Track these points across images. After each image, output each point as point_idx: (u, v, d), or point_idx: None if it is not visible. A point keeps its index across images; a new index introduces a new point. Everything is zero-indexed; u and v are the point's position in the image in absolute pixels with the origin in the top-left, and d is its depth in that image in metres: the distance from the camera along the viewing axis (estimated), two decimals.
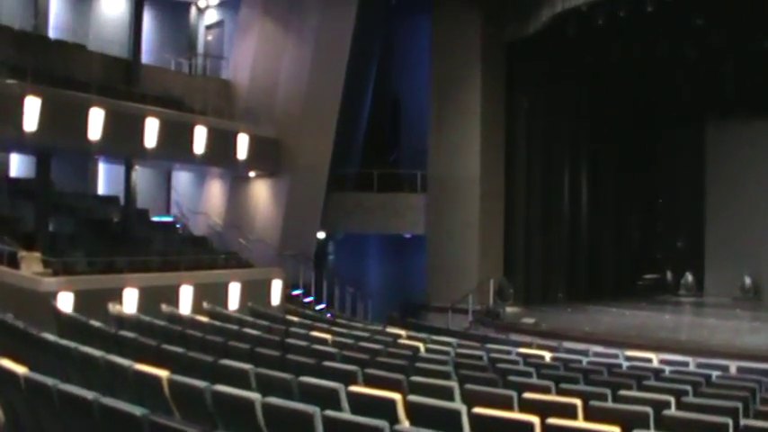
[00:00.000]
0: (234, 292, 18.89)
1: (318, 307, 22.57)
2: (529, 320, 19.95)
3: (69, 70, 20.84)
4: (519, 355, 11.80)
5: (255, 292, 19.40)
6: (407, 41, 26.60)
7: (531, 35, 22.44)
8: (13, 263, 15.59)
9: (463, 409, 6.30)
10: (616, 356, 12.22)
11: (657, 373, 9.96)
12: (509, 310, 21.80)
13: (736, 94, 26.77)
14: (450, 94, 24.06)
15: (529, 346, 13.75)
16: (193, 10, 27.54)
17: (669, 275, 28.86)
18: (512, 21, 23.31)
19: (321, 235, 24.43)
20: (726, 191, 27.69)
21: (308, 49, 24.60)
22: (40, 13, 22.71)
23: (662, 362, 11.51)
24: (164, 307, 15.49)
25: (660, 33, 23.09)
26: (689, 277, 28.23)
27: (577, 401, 7.08)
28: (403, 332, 15.00)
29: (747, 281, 26.57)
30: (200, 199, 26.06)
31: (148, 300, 16.09)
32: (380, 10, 25.05)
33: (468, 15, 23.72)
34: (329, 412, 5.59)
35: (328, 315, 20.55)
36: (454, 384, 7.99)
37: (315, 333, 13.53)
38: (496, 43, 23.83)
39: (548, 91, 25.72)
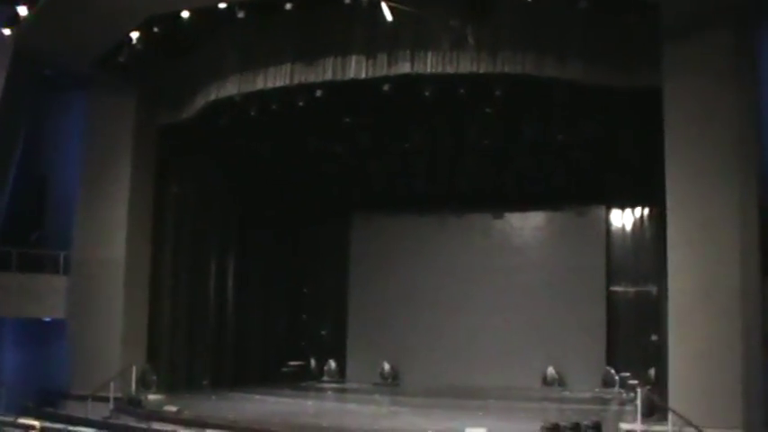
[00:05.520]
0: None
1: None
2: (171, 408, 19.55)
3: None
4: None
5: None
6: (60, 118, 25.65)
7: (186, 121, 22.50)
8: None
9: None
10: None
11: None
12: (151, 397, 21.27)
13: (380, 191, 28.43)
14: (99, 175, 23.41)
15: None
16: None
17: (313, 362, 29.53)
18: (167, 105, 23.25)
19: None
20: (368, 282, 29.17)
21: None
22: None
23: None
24: None
25: (311, 128, 23.99)
26: (332, 364, 29.10)
27: None
28: (37, 423, 14.28)
29: (387, 367, 27.88)
30: None
31: None
32: (31, 83, 23.99)
33: (123, 96, 23.28)
34: None
35: None
36: None
37: None
38: (150, 127, 23.61)
39: (200, 178, 25.82)
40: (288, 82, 19.64)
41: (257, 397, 23.50)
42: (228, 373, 26.69)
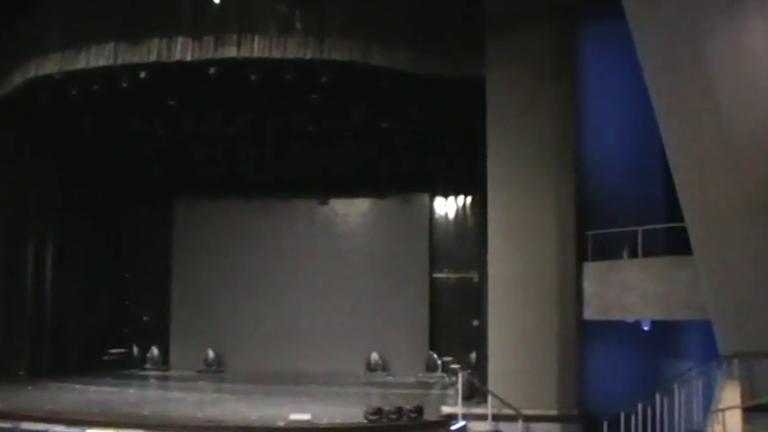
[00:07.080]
0: None
1: None
2: None
3: None
4: None
5: None
6: None
7: (2, 98, 21.55)
8: None
9: None
10: None
11: None
12: None
13: (205, 175, 28.10)
14: None
15: None
16: None
17: (135, 350, 28.88)
18: None
19: None
20: (191, 267, 28.71)
21: None
22: None
23: None
24: None
25: (133, 110, 23.49)
26: (155, 351, 28.49)
27: None
28: None
29: (210, 354, 27.55)
30: None
31: None
32: None
33: None
34: None
35: None
36: None
37: None
38: None
39: (16, 159, 24.71)
40: (111, 62, 19.18)
41: (77, 386, 22.80)
42: (46, 362, 25.72)
